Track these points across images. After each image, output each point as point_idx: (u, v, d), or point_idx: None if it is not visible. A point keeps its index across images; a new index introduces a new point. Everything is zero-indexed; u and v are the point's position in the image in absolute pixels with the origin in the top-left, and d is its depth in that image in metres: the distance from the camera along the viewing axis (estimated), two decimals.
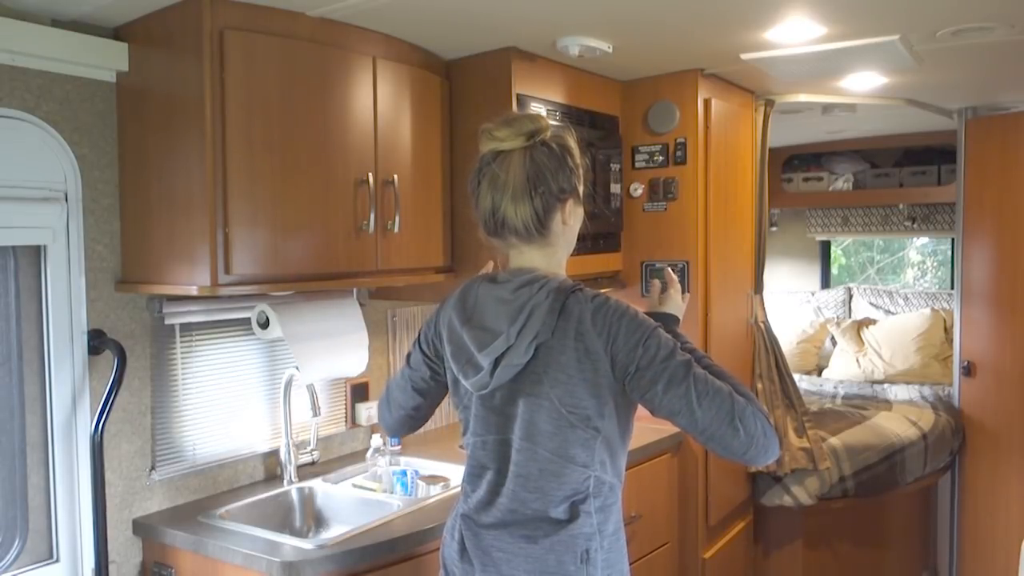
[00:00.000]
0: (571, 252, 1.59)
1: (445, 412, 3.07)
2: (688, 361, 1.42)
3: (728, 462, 3.23)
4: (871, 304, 5.28)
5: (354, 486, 2.46)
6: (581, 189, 1.55)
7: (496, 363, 1.45)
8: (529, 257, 1.53)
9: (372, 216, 2.21)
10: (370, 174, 2.21)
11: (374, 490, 2.43)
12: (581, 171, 1.54)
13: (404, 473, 2.52)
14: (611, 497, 1.52)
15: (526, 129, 1.47)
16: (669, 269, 1.63)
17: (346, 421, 2.74)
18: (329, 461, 2.63)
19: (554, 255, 1.54)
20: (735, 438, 1.38)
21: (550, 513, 1.47)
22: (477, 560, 1.52)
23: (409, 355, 1.70)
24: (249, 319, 2.33)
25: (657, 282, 1.68)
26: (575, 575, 1.45)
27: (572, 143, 1.53)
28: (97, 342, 2.06)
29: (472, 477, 1.57)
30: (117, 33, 2.09)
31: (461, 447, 1.73)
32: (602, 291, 1.52)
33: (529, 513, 1.48)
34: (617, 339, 1.42)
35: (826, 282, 5.73)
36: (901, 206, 5.12)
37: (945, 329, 4.65)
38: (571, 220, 1.53)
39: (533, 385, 1.46)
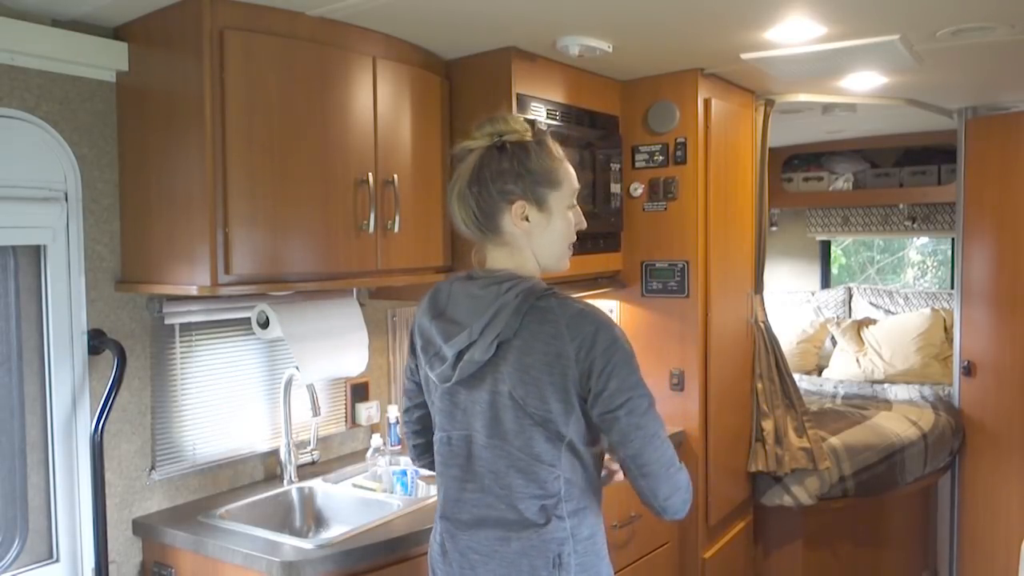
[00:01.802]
0: (552, 256, 1.55)
1: None
2: (651, 396, 1.45)
3: (728, 463, 3.23)
4: (871, 304, 5.28)
5: (354, 486, 2.46)
6: (548, 196, 1.50)
7: (459, 356, 1.47)
8: (494, 256, 1.54)
9: (372, 216, 2.21)
10: (370, 174, 2.21)
11: (374, 490, 2.43)
12: (550, 178, 1.50)
13: (404, 473, 2.52)
14: (584, 500, 1.51)
15: (494, 129, 1.50)
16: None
17: (346, 421, 2.74)
18: (329, 461, 2.63)
19: (518, 255, 1.52)
20: (666, 482, 1.45)
21: (521, 510, 1.47)
22: (456, 563, 1.54)
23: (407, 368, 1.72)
24: (249, 319, 2.33)
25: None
26: None
27: (536, 149, 1.50)
28: (97, 342, 2.06)
29: (440, 475, 1.60)
30: (117, 33, 2.09)
31: None
32: (578, 296, 1.53)
33: (502, 509, 1.49)
34: (592, 349, 1.42)
35: (826, 282, 5.73)
36: (901, 206, 5.11)
37: (945, 329, 4.65)
38: (525, 225, 1.50)
39: (496, 383, 1.46)
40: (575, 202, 1.56)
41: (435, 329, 1.51)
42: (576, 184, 1.56)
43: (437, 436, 1.59)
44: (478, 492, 1.52)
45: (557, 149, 1.54)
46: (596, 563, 1.52)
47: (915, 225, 5.15)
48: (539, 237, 1.52)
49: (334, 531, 2.23)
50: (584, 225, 1.59)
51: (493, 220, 1.49)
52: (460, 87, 2.59)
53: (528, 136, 1.51)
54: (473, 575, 1.52)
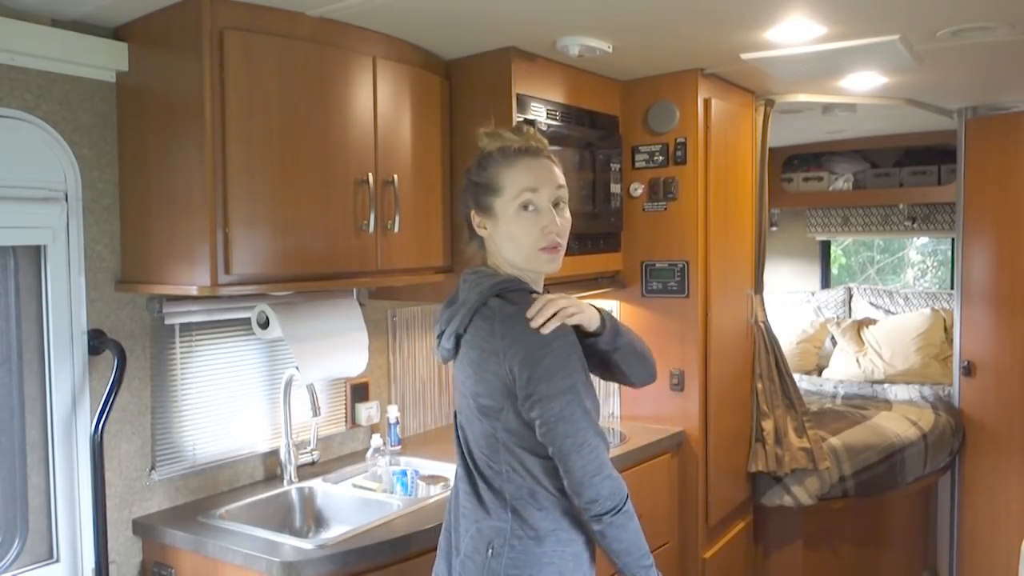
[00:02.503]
0: (517, 259, 1.56)
1: (444, 412, 3.07)
2: (583, 403, 1.45)
3: (728, 463, 3.24)
4: (871, 304, 5.28)
5: (354, 486, 2.46)
6: (493, 203, 1.55)
7: (440, 339, 1.62)
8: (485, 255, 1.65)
9: (372, 216, 2.21)
10: (370, 174, 2.21)
11: (374, 490, 2.43)
12: (491, 186, 1.55)
13: (404, 473, 2.52)
14: (535, 504, 1.51)
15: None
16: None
17: (346, 421, 2.74)
18: (329, 461, 2.63)
19: (492, 257, 1.62)
20: (589, 489, 1.45)
21: (479, 492, 1.56)
22: (451, 516, 1.66)
23: None
24: (249, 319, 2.33)
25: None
26: (481, 564, 1.51)
27: (480, 162, 1.59)
28: (97, 342, 2.06)
29: None
30: (117, 33, 2.09)
31: None
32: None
33: (470, 482, 1.58)
34: (520, 350, 1.45)
35: (826, 282, 5.73)
36: (901, 206, 5.12)
37: (945, 329, 4.65)
38: (484, 232, 1.60)
39: (458, 373, 1.60)
40: (533, 202, 1.52)
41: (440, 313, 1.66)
42: (529, 183, 1.52)
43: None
44: (460, 467, 1.63)
45: (507, 155, 1.55)
46: (531, 565, 1.49)
47: (915, 225, 5.16)
48: (497, 241, 1.58)
49: (334, 531, 2.23)
50: (558, 226, 1.54)
51: (471, 229, 1.63)
52: (460, 87, 2.59)
53: (482, 149, 1.60)
54: (447, 537, 1.66)
